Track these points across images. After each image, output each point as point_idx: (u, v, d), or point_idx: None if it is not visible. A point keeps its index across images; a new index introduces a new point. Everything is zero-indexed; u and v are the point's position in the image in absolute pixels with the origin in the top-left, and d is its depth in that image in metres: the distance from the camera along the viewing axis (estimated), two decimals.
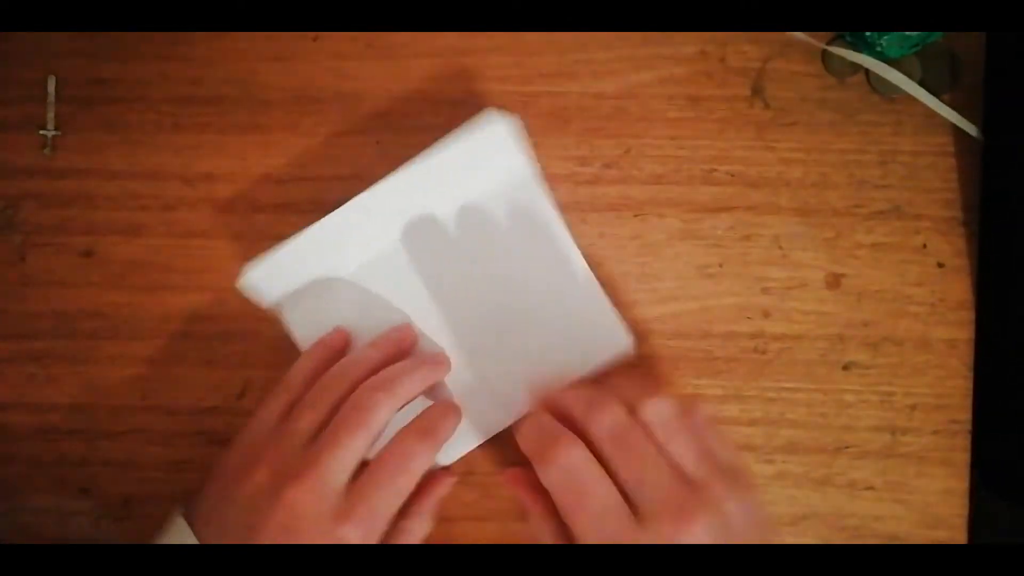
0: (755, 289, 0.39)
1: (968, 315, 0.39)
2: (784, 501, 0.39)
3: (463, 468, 0.39)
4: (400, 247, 0.38)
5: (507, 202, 0.37)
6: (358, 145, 0.39)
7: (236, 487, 0.32)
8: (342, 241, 0.37)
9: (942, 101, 0.38)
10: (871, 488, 0.39)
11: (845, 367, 0.39)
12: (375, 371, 0.34)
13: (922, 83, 0.38)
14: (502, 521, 0.39)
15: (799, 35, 0.39)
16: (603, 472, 0.30)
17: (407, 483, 0.32)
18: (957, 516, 0.39)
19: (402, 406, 0.34)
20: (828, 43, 0.39)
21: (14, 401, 0.39)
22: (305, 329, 0.37)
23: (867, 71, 0.39)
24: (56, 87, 0.39)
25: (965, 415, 0.39)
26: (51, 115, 0.39)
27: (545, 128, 0.39)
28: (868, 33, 0.38)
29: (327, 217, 0.36)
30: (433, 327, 0.37)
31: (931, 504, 0.39)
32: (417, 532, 0.34)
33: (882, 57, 0.38)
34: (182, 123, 0.39)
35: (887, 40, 0.38)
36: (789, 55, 0.39)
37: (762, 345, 0.39)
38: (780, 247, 0.39)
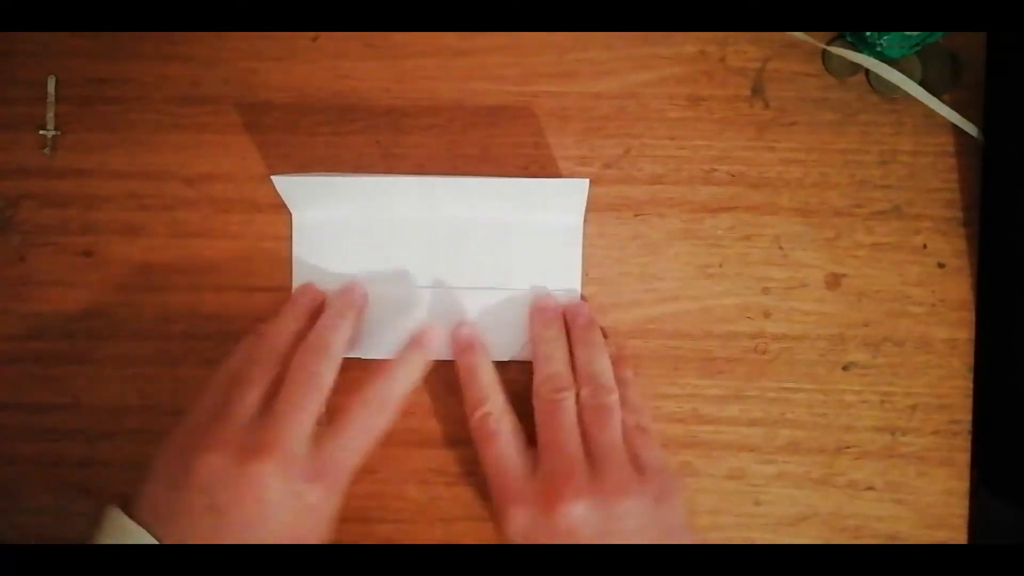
0: (755, 289, 0.39)
1: (968, 315, 0.39)
2: (784, 501, 0.39)
3: (463, 468, 0.39)
4: (421, 235, 0.38)
5: (543, 242, 0.38)
6: (358, 145, 0.39)
7: (189, 473, 0.32)
8: (376, 205, 0.38)
9: (942, 101, 0.38)
10: (871, 488, 0.39)
11: (845, 367, 0.39)
12: (300, 334, 0.35)
13: (922, 83, 0.38)
14: None
15: (799, 35, 0.39)
16: (516, 432, 0.35)
17: (370, 440, 0.34)
18: (957, 516, 0.39)
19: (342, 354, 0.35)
20: (828, 43, 0.39)
21: (14, 401, 0.39)
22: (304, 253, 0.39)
23: (867, 71, 0.39)
24: (56, 87, 0.39)
25: (965, 415, 0.39)
26: (51, 115, 0.39)
27: (545, 128, 0.39)
28: (868, 33, 0.38)
29: (376, 177, 0.37)
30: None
31: (931, 504, 0.39)
32: (372, 425, 0.35)
33: (882, 57, 0.38)
34: (182, 123, 0.39)
35: (887, 40, 0.37)
36: (789, 55, 0.39)
37: (762, 345, 0.39)
38: (780, 247, 0.39)
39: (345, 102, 0.39)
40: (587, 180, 0.36)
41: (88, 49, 0.39)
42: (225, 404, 0.33)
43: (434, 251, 0.39)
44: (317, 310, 0.37)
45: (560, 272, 0.39)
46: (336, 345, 0.35)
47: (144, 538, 0.31)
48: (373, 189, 0.37)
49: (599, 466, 0.33)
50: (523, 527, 0.32)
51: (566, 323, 0.38)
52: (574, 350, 0.37)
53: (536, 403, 0.35)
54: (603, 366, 0.36)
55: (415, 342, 0.36)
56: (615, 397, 0.35)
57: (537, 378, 0.36)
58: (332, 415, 0.34)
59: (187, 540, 0.31)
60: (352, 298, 0.37)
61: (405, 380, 0.35)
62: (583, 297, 0.39)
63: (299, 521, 0.32)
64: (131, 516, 0.32)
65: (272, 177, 0.37)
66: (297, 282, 0.39)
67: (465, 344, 0.37)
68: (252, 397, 0.33)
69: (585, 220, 0.39)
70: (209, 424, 0.33)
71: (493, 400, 0.36)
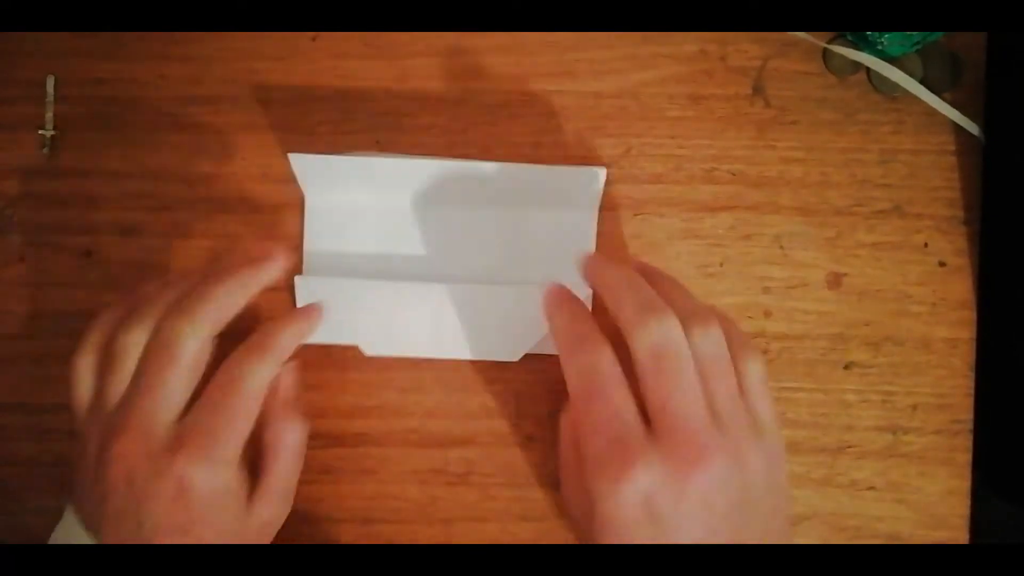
0: (756, 289, 0.39)
1: (969, 314, 0.39)
2: None
3: (463, 469, 0.39)
4: (433, 223, 0.38)
5: (557, 230, 0.38)
6: (358, 145, 0.39)
7: (80, 468, 0.32)
8: (390, 187, 0.38)
9: (943, 100, 0.38)
10: (872, 488, 0.39)
11: (846, 367, 0.39)
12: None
13: (923, 82, 0.38)
14: (502, 521, 0.39)
15: (800, 34, 0.39)
16: (626, 382, 0.29)
17: (244, 404, 0.30)
18: (958, 516, 0.38)
19: (217, 324, 0.31)
20: (829, 42, 0.39)
21: (14, 401, 0.39)
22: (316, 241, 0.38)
23: (868, 70, 0.39)
24: (55, 87, 0.39)
25: (967, 415, 0.38)
26: (50, 115, 0.39)
27: (545, 128, 0.39)
28: (869, 32, 0.38)
29: (393, 158, 0.37)
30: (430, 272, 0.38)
31: (932, 504, 0.38)
32: (286, 440, 0.33)
33: (883, 56, 0.38)
34: (181, 123, 0.39)
35: (888, 39, 0.37)
36: (790, 54, 0.39)
37: (763, 344, 0.39)
38: (781, 246, 0.39)
39: (345, 102, 0.39)
40: (603, 169, 0.36)
41: (87, 49, 0.39)
42: (96, 395, 0.32)
43: (446, 240, 0.38)
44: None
45: (573, 265, 0.38)
46: (204, 310, 0.31)
47: (83, 539, 0.31)
48: (388, 169, 0.37)
49: (724, 419, 0.28)
50: (644, 490, 0.27)
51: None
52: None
53: (637, 347, 0.29)
54: (693, 301, 0.31)
55: (302, 314, 0.33)
56: (722, 338, 0.30)
57: (628, 315, 0.29)
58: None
59: (88, 517, 0.31)
60: (254, 262, 0.33)
61: (277, 333, 0.32)
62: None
63: (181, 501, 0.29)
64: (75, 501, 0.32)
65: (289, 155, 0.36)
66: (307, 265, 0.39)
67: (556, 299, 0.32)
68: (118, 381, 0.31)
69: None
70: (87, 416, 0.32)
71: (604, 347, 0.29)
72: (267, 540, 0.33)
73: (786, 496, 0.30)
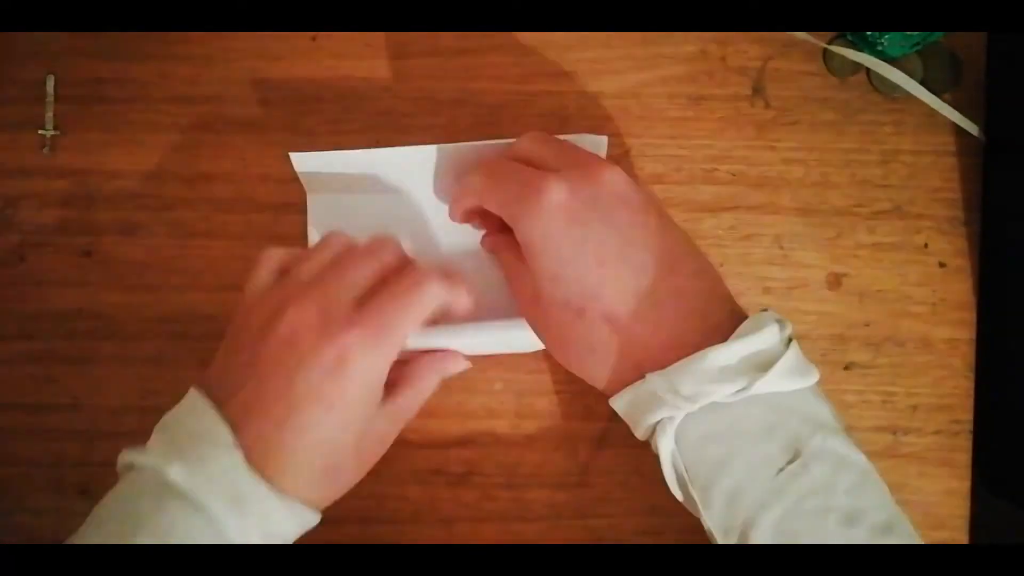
0: (756, 289, 0.39)
1: (969, 315, 0.39)
2: None
3: (463, 469, 0.39)
4: (433, 217, 0.38)
5: None
6: (358, 145, 0.39)
7: (240, 333, 0.31)
8: (392, 175, 0.38)
9: (943, 100, 0.38)
10: None
11: (846, 367, 0.39)
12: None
13: (923, 82, 0.38)
14: (502, 521, 0.39)
15: (800, 34, 0.39)
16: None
17: (419, 309, 0.31)
18: (958, 516, 0.38)
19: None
20: (829, 42, 0.39)
21: (14, 401, 0.39)
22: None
23: (868, 70, 0.39)
24: (55, 87, 0.39)
25: (966, 415, 0.38)
26: (50, 115, 0.39)
27: (545, 128, 0.39)
28: (869, 32, 0.38)
29: (389, 149, 0.37)
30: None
31: (932, 504, 0.38)
32: (424, 387, 0.34)
33: (883, 56, 0.38)
34: (181, 123, 0.39)
35: (888, 39, 0.37)
36: (790, 54, 0.39)
37: None
38: (781, 247, 0.39)
39: (345, 102, 0.39)
40: (605, 137, 0.36)
41: (87, 49, 0.39)
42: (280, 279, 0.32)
43: (450, 230, 0.38)
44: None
45: None
46: (398, 246, 0.33)
47: (195, 398, 0.30)
48: (387, 158, 0.37)
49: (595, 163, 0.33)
50: (562, 196, 0.31)
51: None
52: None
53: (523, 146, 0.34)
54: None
55: (446, 278, 0.33)
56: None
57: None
58: None
59: (231, 400, 0.30)
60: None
61: (429, 299, 0.32)
62: None
63: (338, 372, 0.30)
64: (204, 384, 0.31)
65: (290, 154, 0.36)
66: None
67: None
68: (307, 268, 0.32)
69: None
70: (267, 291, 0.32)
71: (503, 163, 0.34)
72: (372, 460, 0.34)
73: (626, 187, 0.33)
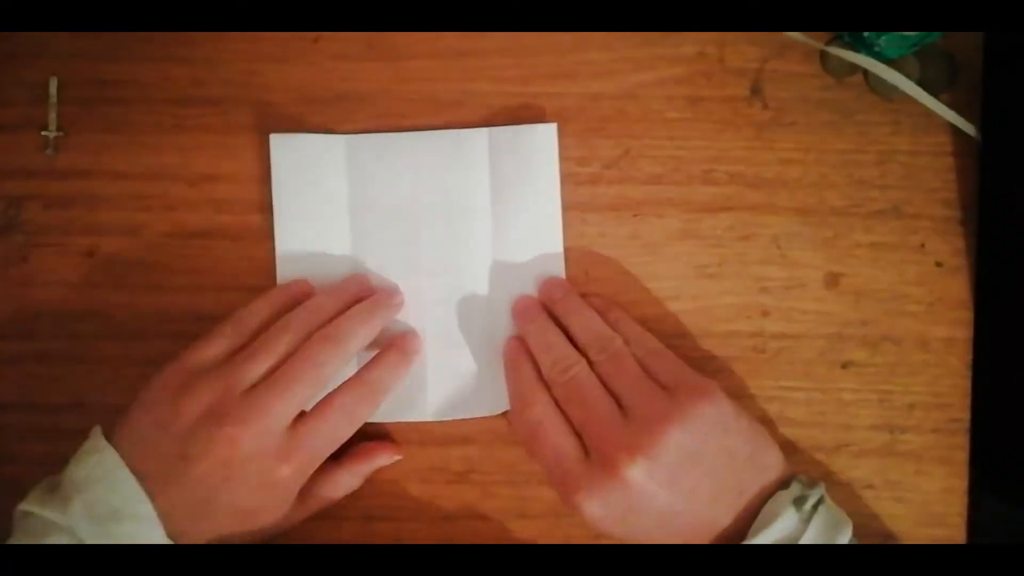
0: (754, 289, 0.39)
1: (966, 314, 0.39)
2: None
3: (463, 467, 0.39)
4: (408, 197, 0.39)
5: (522, 194, 0.39)
6: None
7: (172, 416, 0.32)
8: (364, 161, 0.39)
9: (940, 101, 0.39)
10: (870, 487, 0.39)
11: (844, 366, 0.39)
12: (330, 319, 0.35)
13: (920, 83, 0.39)
14: (502, 521, 0.39)
15: (798, 35, 0.39)
16: (559, 419, 0.35)
17: (347, 433, 0.35)
18: (956, 515, 0.39)
19: (350, 357, 0.35)
20: (827, 43, 0.39)
21: (14, 401, 0.39)
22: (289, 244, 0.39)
23: (865, 71, 0.39)
24: (58, 88, 0.40)
25: (964, 414, 0.39)
26: (53, 116, 0.40)
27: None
28: (866, 33, 0.38)
29: (361, 135, 0.38)
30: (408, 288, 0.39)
31: (930, 503, 0.39)
32: (345, 486, 0.37)
33: (880, 57, 0.38)
34: (183, 124, 0.40)
35: (885, 40, 0.38)
36: (788, 55, 0.39)
37: (761, 344, 0.39)
38: (779, 247, 0.39)
39: (346, 103, 0.40)
40: (555, 124, 0.38)
41: (90, 50, 0.40)
42: (232, 363, 0.33)
43: (415, 235, 0.39)
44: (360, 299, 0.37)
45: (543, 237, 0.39)
46: (351, 340, 0.35)
47: (116, 465, 0.32)
48: (354, 146, 0.38)
49: (632, 410, 0.33)
50: (599, 511, 0.32)
51: (548, 310, 0.38)
52: (565, 324, 0.37)
53: (556, 392, 0.35)
54: (596, 323, 0.36)
55: (398, 347, 0.37)
56: (619, 341, 0.36)
57: (545, 371, 0.36)
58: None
59: (154, 477, 0.32)
60: (388, 302, 0.37)
61: (386, 380, 0.36)
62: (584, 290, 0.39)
63: (261, 492, 0.33)
64: (111, 438, 0.33)
65: (271, 136, 0.38)
66: (280, 265, 0.39)
67: (511, 354, 0.38)
68: (258, 366, 0.33)
69: (582, 218, 0.39)
70: (210, 375, 0.33)
71: (540, 395, 0.35)
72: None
73: (731, 414, 0.34)
